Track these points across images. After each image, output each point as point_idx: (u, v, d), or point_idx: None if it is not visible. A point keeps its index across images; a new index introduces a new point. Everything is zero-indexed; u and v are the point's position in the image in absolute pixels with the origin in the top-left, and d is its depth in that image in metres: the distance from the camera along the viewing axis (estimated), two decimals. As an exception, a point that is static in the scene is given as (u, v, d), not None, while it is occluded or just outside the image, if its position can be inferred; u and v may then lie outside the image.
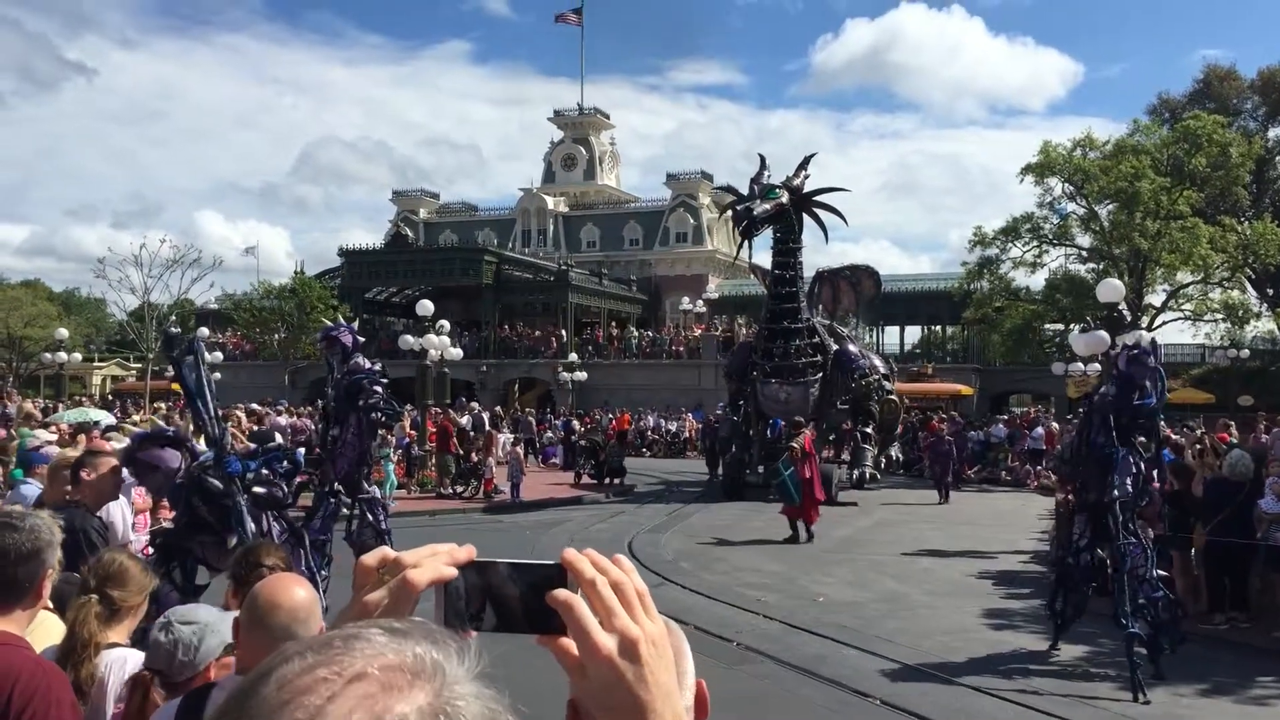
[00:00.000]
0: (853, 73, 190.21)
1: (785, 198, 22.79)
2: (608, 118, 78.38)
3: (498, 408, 39.34)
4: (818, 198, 23.87)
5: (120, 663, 3.33)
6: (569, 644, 0.93)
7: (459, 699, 0.75)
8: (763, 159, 23.95)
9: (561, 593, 0.95)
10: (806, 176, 23.70)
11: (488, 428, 28.10)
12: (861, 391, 24.85)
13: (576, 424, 33.23)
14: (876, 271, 27.11)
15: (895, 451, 28.62)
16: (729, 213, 24.56)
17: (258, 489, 6.91)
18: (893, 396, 26.97)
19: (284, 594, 2.67)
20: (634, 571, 1.02)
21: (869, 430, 25.35)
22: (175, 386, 45.76)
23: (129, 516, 7.57)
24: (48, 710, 2.62)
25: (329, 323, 8.77)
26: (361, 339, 10.00)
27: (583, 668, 0.93)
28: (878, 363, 27.53)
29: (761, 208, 22.18)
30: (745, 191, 23.65)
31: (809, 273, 26.29)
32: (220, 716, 0.75)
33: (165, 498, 7.54)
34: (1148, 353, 9.38)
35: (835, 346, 25.01)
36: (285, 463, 7.23)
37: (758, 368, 24.23)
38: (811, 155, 24.07)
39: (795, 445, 18.17)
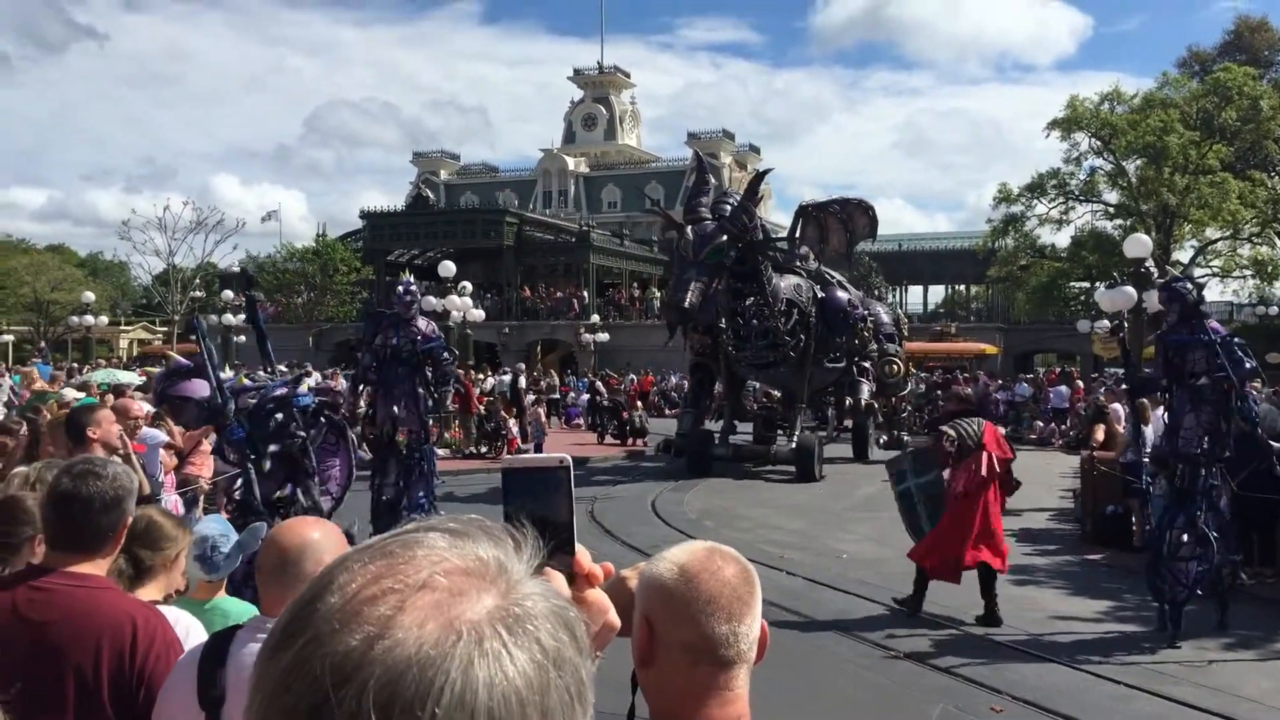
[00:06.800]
0: (855, 30, 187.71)
1: (731, 250, 18.97)
2: (628, 76, 77.84)
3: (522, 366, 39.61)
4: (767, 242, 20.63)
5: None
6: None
7: (526, 599, 0.74)
8: (700, 160, 21.19)
9: (587, 560, 1.10)
10: (760, 199, 20.18)
11: (521, 383, 28.61)
12: (854, 346, 21.85)
13: (601, 385, 32.83)
14: (870, 205, 21.38)
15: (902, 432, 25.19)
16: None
17: (273, 446, 6.48)
18: (894, 358, 23.55)
19: (293, 536, 2.67)
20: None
21: (866, 365, 22.60)
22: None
23: (159, 475, 7.68)
24: (168, 648, 2.73)
25: (405, 281, 8.93)
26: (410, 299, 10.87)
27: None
28: (881, 313, 24.28)
29: (693, 293, 18.27)
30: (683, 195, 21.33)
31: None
32: (285, 630, 0.71)
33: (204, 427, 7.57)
34: (1179, 279, 9.19)
35: (821, 295, 21.56)
36: (280, 415, 6.57)
37: (733, 346, 20.79)
38: (767, 170, 21.66)
39: (949, 434, 9.67)
